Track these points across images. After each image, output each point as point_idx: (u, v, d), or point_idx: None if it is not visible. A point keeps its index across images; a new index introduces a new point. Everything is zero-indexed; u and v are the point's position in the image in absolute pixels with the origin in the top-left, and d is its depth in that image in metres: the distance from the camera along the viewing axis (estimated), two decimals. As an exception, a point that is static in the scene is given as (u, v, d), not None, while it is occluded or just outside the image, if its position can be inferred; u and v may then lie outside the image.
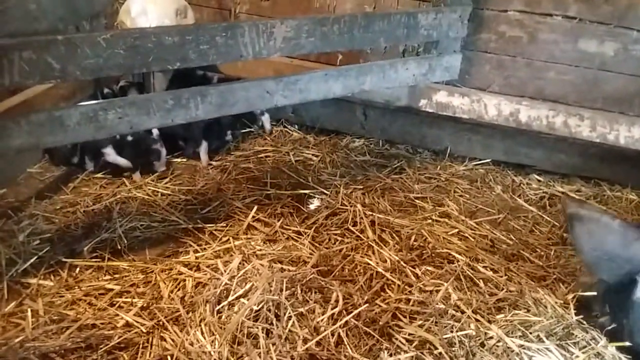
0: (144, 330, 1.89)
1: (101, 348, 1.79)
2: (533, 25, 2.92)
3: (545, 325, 1.96)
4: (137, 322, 1.92)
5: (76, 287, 2.09)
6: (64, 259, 2.21)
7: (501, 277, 2.29)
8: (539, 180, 3.25)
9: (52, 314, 1.93)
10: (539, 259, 2.48)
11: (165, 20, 2.72)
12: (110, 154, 2.80)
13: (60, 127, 1.97)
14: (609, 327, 1.85)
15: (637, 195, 3.08)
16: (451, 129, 3.36)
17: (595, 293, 2.00)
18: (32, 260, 2.18)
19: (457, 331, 1.93)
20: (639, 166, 3.08)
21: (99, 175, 2.86)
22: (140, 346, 1.83)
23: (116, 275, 2.18)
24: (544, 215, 2.87)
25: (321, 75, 2.55)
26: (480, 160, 3.37)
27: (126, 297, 2.06)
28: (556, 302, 2.09)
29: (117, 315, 1.96)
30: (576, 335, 1.91)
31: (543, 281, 2.32)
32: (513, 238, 2.63)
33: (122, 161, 2.82)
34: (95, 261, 2.23)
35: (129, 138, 2.85)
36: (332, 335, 1.87)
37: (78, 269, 2.18)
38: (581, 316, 1.98)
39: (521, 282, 2.27)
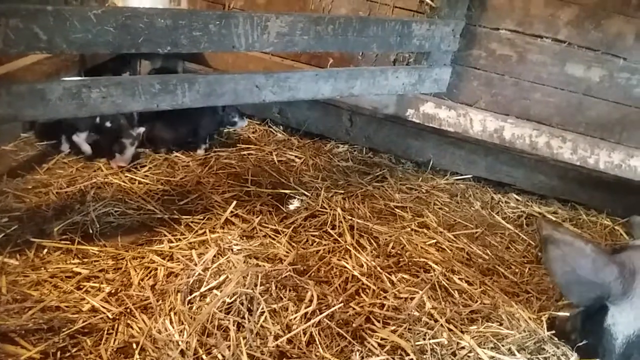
0: (110, 316, 1.83)
1: (64, 331, 1.72)
2: (523, 46, 2.96)
3: (517, 339, 1.96)
4: (104, 307, 1.86)
5: (42, 268, 2.01)
6: (32, 239, 2.13)
7: (476, 289, 2.29)
8: (518, 200, 3.28)
9: (15, 293, 1.85)
10: (513, 275, 2.49)
11: (158, 6, 2.68)
12: (80, 136, 2.75)
13: (41, 100, 1.91)
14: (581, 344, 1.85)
15: (611, 221, 3.14)
16: (435, 142, 3.38)
17: (568, 314, 2.02)
18: (-2, 238, 2.10)
19: (429, 339, 1.91)
20: (615, 192, 3.13)
21: (75, 158, 2.79)
22: (105, 332, 1.77)
23: (85, 260, 2.11)
24: (520, 234, 2.89)
25: (312, 75, 2.54)
26: (461, 175, 3.40)
27: (94, 282, 1.99)
28: (529, 317, 2.10)
29: (83, 299, 1.89)
30: (547, 350, 1.91)
31: (516, 297, 2.32)
32: (489, 253, 2.64)
33: (85, 146, 2.78)
34: (65, 243, 2.15)
35: (107, 124, 2.80)
36: (304, 333, 1.83)
37: (46, 250, 2.11)
38: (553, 331, 1.98)
39: (495, 296, 2.27)
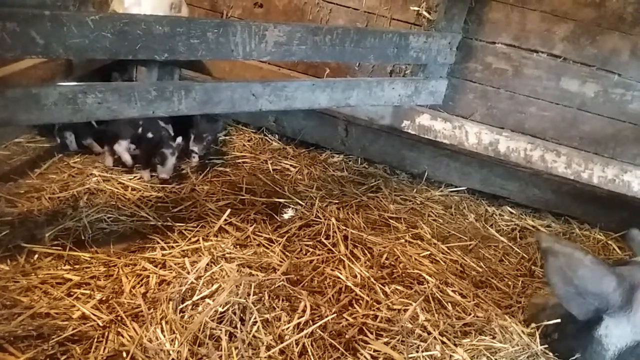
0: (101, 324, 1.80)
1: (53, 338, 1.70)
2: (519, 60, 2.98)
3: (510, 353, 1.95)
4: (94, 314, 1.84)
5: (33, 274, 1.99)
6: (23, 244, 2.11)
7: (469, 302, 2.28)
8: (512, 213, 3.29)
9: (5, 298, 1.83)
10: (507, 288, 2.48)
11: (159, 13, 2.67)
12: (122, 145, 2.75)
13: (36, 105, 1.91)
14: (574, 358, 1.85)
15: (604, 236, 3.14)
16: (430, 154, 3.39)
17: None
18: (-12, 242, 2.08)
19: (422, 351, 1.90)
20: (608, 207, 3.14)
21: (71, 162, 2.78)
22: (95, 340, 1.74)
23: (76, 266, 2.08)
24: (514, 247, 2.89)
25: (309, 85, 2.55)
26: (456, 187, 3.40)
27: (85, 289, 1.97)
28: (522, 331, 2.09)
29: (74, 306, 1.87)
30: (540, 365, 1.91)
31: (509, 309, 2.31)
32: (483, 266, 2.64)
33: (127, 158, 2.78)
34: (56, 249, 2.13)
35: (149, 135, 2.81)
36: (297, 344, 1.82)
37: (37, 256, 2.08)
38: (546, 345, 1.98)
39: (488, 309, 2.26)
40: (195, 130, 2.99)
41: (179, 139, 2.82)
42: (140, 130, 2.79)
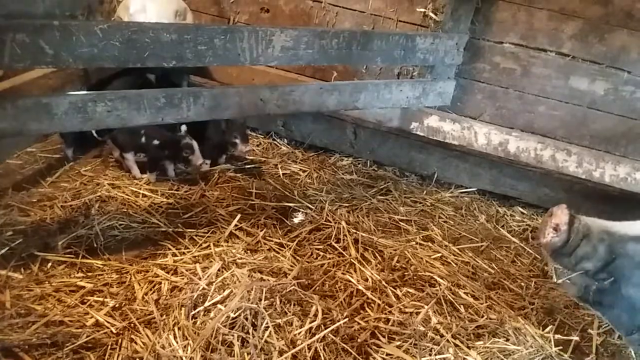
0: (114, 331, 1.82)
1: (67, 346, 1.72)
2: (527, 59, 2.96)
3: (524, 355, 1.94)
4: (108, 322, 1.86)
5: (46, 282, 2.01)
6: (36, 253, 2.13)
7: (482, 304, 2.27)
8: (523, 213, 3.27)
9: (19, 307, 1.85)
10: (519, 289, 2.47)
11: (164, 20, 2.69)
12: (129, 159, 2.84)
13: (46, 114, 1.92)
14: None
15: (618, 235, 3.10)
16: (439, 155, 3.37)
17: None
18: (2, 251, 2.10)
19: (435, 354, 1.90)
20: (621, 205, 3.10)
21: (82, 170, 2.81)
22: (109, 347, 1.76)
23: (89, 273, 2.10)
24: (526, 247, 2.87)
25: (316, 88, 2.55)
26: (466, 188, 3.39)
27: (98, 296, 1.98)
28: (536, 333, 2.08)
29: (87, 313, 1.89)
30: (555, 367, 1.89)
31: (522, 311, 2.30)
32: (495, 267, 2.62)
33: (135, 169, 2.86)
34: (69, 257, 2.15)
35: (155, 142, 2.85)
36: (309, 349, 1.82)
37: (50, 264, 2.11)
38: (560, 347, 1.96)
39: (501, 310, 2.25)
40: (240, 133, 2.99)
41: (184, 127, 2.82)
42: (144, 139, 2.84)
